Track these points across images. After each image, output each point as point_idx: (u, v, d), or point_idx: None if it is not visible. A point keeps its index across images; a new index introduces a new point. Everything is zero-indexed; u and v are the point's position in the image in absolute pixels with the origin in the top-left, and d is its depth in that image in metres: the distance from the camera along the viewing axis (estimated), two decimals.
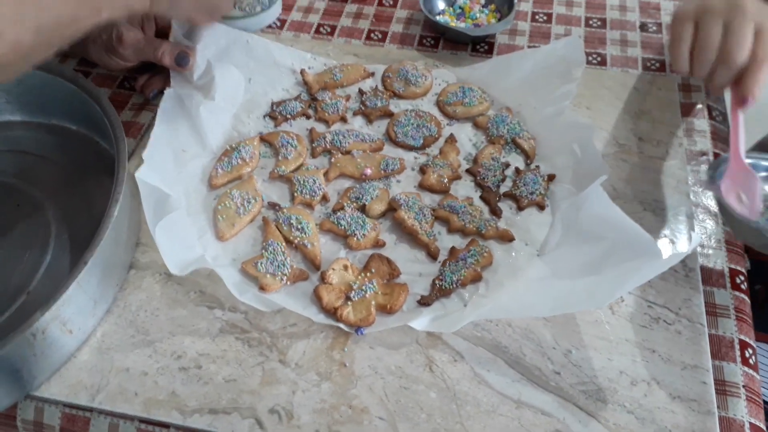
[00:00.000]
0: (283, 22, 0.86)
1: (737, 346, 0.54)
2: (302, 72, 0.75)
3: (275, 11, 0.85)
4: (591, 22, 0.85)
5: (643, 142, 0.69)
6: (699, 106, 0.73)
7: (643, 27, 0.84)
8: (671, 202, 0.63)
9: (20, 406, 0.53)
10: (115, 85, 0.78)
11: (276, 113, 0.72)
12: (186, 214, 0.62)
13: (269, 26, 0.85)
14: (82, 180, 0.68)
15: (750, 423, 0.50)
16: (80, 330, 0.54)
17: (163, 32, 0.72)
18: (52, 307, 0.49)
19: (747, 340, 0.54)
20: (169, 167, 0.64)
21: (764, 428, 0.50)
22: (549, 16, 0.86)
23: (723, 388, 0.51)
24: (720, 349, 0.53)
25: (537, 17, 0.86)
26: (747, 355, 0.53)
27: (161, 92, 0.70)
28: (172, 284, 0.58)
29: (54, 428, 0.53)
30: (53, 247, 0.62)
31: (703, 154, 0.68)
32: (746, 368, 0.53)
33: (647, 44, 0.81)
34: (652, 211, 0.62)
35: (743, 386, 0.51)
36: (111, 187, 0.56)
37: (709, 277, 0.58)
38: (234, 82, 0.72)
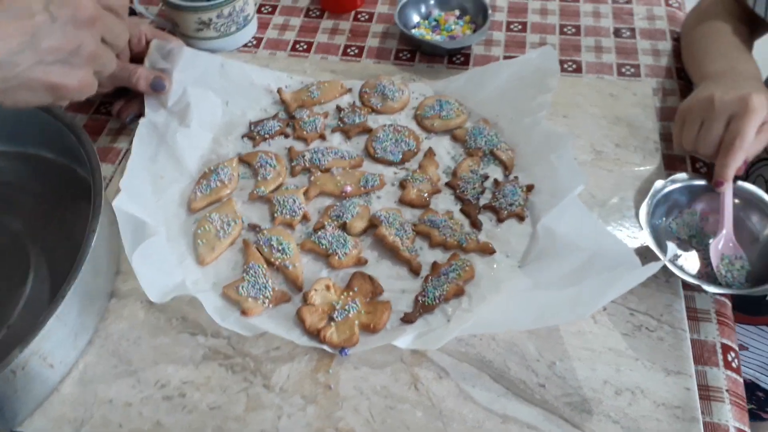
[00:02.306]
0: (259, 40, 0.86)
1: (719, 351, 0.54)
2: (279, 90, 0.75)
3: (251, 30, 0.85)
4: (565, 30, 0.85)
5: (620, 148, 0.69)
6: (675, 110, 0.73)
7: (617, 33, 0.84)
8: None
9: None
10: (92, 110, 0.78)
11: (254, 133, 0.72)
12: (165, 240, 0.61)
13: (245, 45, 0.85)
14: (60, 209, 0.67)
15: (735, 427, 0.50)
16: (61, 363, 0.53)
17: (137, 58, 0.71)
18: (31, 343, 0.48)
19: (729, 343, 0.55)
20: (147, 194, 0.63)
21: (749, 431, 0.50)
22: (524, 24, 0.87)
23: (707, 393, 0.51)
24: (702, 354, 0.54)
25: (512, 26, 0.86)
26: (729, 358, 0.54)
27: (138, 117, 0.70)
28: (153, 312, 0.58)
29: None
30: (32, 279, 0.61)
31: (681, 158, 0.69)
32: (729, 372, 0.53)
33: (622, 50, 0.82)
34: (630, 218, 0.63)
35: (727, 390, 0.52)
36: (89, 216, 0.56)
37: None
38: (210, 107, 0.72)
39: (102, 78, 0.50)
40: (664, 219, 0.63)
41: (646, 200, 0.61)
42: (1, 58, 0.38)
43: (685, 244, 0.61)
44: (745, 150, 0.58)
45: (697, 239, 0.61)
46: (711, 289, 0.55)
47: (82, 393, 0.53)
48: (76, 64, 0.43)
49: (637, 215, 0.62)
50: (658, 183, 0.63)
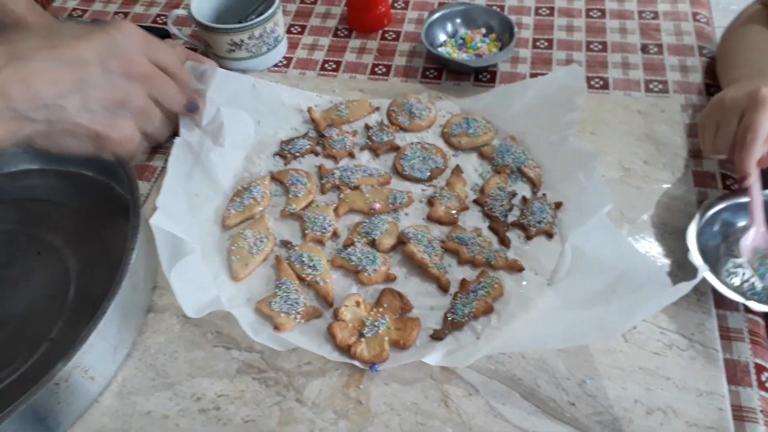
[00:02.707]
0: (289, 60, 0.88)
1: (753, 370, 0.53)
2: (309, 110, 0.77)
3: (281, 50, 0.87)
4: (592, 46, 0.86)
5: (648, 165, 0.69)
6: None
7: (644, 49, 0.85)
8: (679, 226, 0.63)
9: None
10: None
11: (285, 152, 0.74)
12: (201, 257, 0.63)
13: (276, 65, 0.87)
14: (99, 225, 0.69)
15: None
16: (102, 376, 0.55)
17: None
18: (74, 357, 0.50)
19: (763, 363, 0.54)
20: (183, 212, 0.65)
21: None
22: (550, 42, 0.87)
23: (740, 414, 0.51)
24: (735, 373, 0.53)
25: (538, 44, 0.87)
26: (763, 378, 0.53)
27: (173, 136, 0.72)
28: (189, 326, 0.60)
29: None
30: (73, 294, 0.63)
31: (711, 175, 0.68)
32: (763, 392, 0.52)
33: (649, 66, 0.82)
34: (660, 236, 0.63)
35: (761, 411, 0.51)
36: (127, 232, 0.58)
37: (722, 300, 0.58)
38: (242, 127, 0.74)
39: (153, 134, 0.50)
40: (715, 240, 0.62)
41: (694, 220, 0.60)
42: (49, 101, 0.39)
43: (742, 265, 0.60)
44: (760, 142, 0.58)
45: (755, 257, 0.60)
46: (756, 307, 0.54)
47: (121, 405, 0.55)
48: (121, 116, 0.43)
49: (684, 234, 0.60)
50: (707, 202, 0.62)
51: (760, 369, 0.54)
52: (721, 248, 0.62)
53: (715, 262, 0.60)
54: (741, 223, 0.63)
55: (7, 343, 0.60)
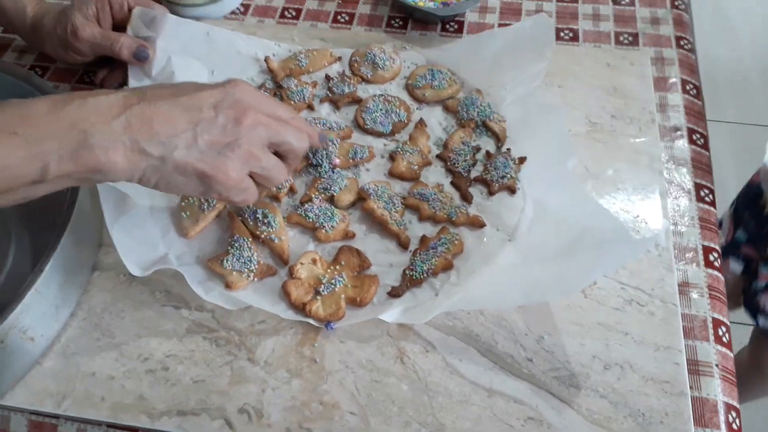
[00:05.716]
0: (246, 7, 0.83)
1: (710, 325, 0.53)
2: (266, 59, 0.73)
3: None
4: None
5: (615, 119, 0.68)
6: (673, 80, 0.71)
7: (616, 0, 0.82)
8: (644, 181, 0.62)
9: None
10: (75, 79, 0.76)
11: None
12: (149, 213, 0.60)
13: (232, 12, 0.83)
14: None
15: (724, 402, 0.50)
16: (43, 336, 0.53)
17: (120, 25, 0.69)
18: (9, 317, 0.47)
19: (720, 318, 0.54)
20: None
21: (737, 406, 0.50)
22: None
23: (696, 368, 0.51)
24: (693, 328, 0.53)
25: None
26: (720, 333, 0.53)
27: (121, 86, 0.68)
28: (137, 285, 0.57)
29: None
30: (14, 251, 0.60)
31: (677, 129, 0.67)
32: (720, 347, 0.52)
33: (620, 18, 0.79)
34: (624, 191, 0.62)
35: (716, 365, 0.51)
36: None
37: (683, 255, 0.57)
38: (195, 77, 0.70)
39: (270, 187, 0.53)
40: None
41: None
42: (164, 138, 0.43)
43: None
44: None
45: None
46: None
47: (65, 366, 0.53)
48: (230, 158, 0.46)
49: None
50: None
51: (717, 324, 0.53)
52: None
53: None
54: None
55: None
